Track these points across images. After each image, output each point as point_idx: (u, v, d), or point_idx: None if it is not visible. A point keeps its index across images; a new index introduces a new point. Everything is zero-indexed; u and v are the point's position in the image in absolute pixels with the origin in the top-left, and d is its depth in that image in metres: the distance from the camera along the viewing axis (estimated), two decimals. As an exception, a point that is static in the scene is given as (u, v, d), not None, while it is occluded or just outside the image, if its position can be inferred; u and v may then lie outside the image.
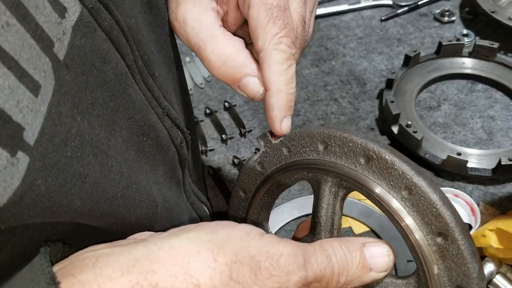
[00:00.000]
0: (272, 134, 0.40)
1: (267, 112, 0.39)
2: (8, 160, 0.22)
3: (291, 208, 0.84)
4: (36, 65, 0.24)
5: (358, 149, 0.32)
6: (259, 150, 0.40)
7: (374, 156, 0.31)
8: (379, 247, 0.33)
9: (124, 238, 0.36)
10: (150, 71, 0.39)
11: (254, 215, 0.42)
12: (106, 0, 0.32)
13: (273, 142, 0.39)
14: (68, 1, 0.28)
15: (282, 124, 0.38)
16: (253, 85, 0.39)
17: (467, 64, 1.02)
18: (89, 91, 0.30)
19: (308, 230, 0.38)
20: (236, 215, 0.43)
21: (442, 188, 0.81)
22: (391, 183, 0.31)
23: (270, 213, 0.43)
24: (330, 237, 0.36)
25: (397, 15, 1.19)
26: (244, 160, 0.93)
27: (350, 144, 0.32)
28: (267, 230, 0.42)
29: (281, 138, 0.38)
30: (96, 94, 0.31)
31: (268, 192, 0.40)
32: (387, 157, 0.31)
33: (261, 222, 0.42)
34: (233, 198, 0.43)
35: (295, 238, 0.40)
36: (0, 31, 0.22)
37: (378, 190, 0.31)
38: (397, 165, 0.31)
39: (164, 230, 0.41)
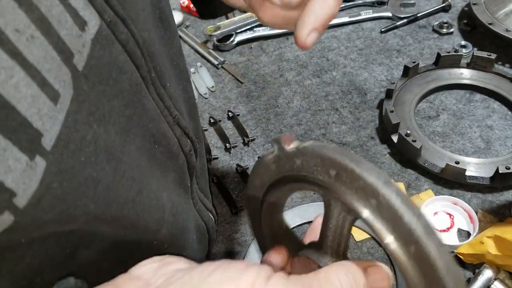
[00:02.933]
0: (286, 140, 0.36)
1: (302, 16, 0.37)
2: (27, 164, 0.24)
3: (294, 215, 0.86)
4: (57, 75, 0.26)
5: (368, 189, 0.29)
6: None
7: (383, 203, 0.28)
8: (380, 273, 0.32)
9: (133, 244, 0.38)
10: (162, 82, 0.40)
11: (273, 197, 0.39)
12: (123, 14, 0.33)
13: (286, 149, 0.36)
14: (88, 15, 0.29)
15: (310, 36, 0.37)
16: None
17: (465, 75, 1.04)
18: (106, 100, 0.31)
19: (317, 236, 0.37)
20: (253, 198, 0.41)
21: (441, 196, 0.83)
22: (398, 234, 0.28)
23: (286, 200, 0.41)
24: (336, 257, 0.35)
25: (396, 27, 1.22)
26: (248, 168, 0.95)
27: (361, 182, 0.29)
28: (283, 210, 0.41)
29: (293, 147, 0.35)
30: (113, 103, 0.32)
31: (279, 189, 0.38)
32: (396, 208, 0.28)
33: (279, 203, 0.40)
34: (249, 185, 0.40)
35: (301, 243, 0.41)
36: (25, 43, 0.24)
37: (388, 240, 0.29)
38: (406, 219, 0.27)
39: (170, 235, 0.43)
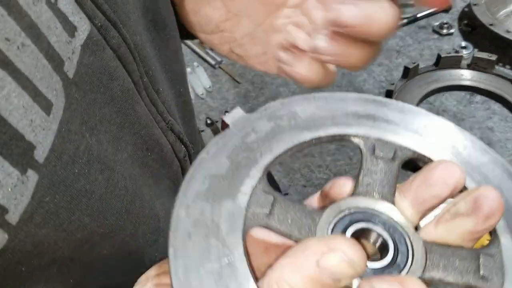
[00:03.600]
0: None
1: None
2: (18, 178, 0.23)
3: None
4: (49, 84, 0.25)
5: None
6: None
7: None
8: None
9: (138, 261, 0.36)
10: (154, 87, 0.39)
11: None
12: (114, 18, 0.32)
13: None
14: (78, 20, 0.28)
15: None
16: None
17: (466, 76, 1.03)
18: (97, 108, 0.30)
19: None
20: None
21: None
22: None
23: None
24: None
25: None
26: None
27: None
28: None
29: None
30: (104, 111, 0.31)
31: None
32: None
33: None
34: None
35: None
36: (16, 52, 0.23)
37: None
38: None
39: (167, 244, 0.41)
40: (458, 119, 0.98)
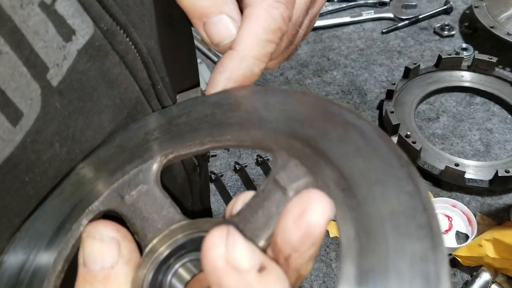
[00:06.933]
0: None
1: (214, 71, 0.30)
2: None
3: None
4: (23, 93, 0.23)
5: None
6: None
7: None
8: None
9: None
10: (169, 94, 0.36)
11: None
12: (125, 21, 0.29)
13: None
14: (79, 23, 0.26)
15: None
16: (226, 25, 0.30)
17: (466, 78, 1.04)
18: (83, 116, 0.28)
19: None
20: None
21: (439, 198, 0.83)
22: None
23: None
24: None
25: (397, 28, 1.21)
26: (246, 166, 0.95)
27: None
28: None
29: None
30: (91, 120, 0.29)
31: None
32: None
33: None
34: None
35: None
36: None
37: None
38: None
39: None
40: (457, 120, 0.99)
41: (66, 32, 0.25)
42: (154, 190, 0.26)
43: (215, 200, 0.91)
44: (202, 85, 1.12)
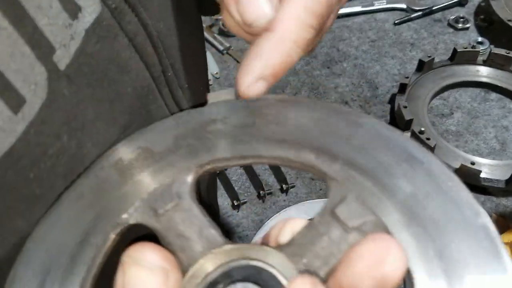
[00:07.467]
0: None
1: (247, 58, 0.26)
2: None
3: (299, 211, 0.82)
4: (26, 76, 0.21)
5: None
6: None
7: None
8: None
9: None
10: (180, 83, 0.34)
11: None
12: (133, 0, 0.27)
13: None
14: None
15: (255, 85, 0.25)
16: (262, 3, 0.26)
17: (482, 72, 1.00)
18: (93, 105, 0.26)
19: None
20: None
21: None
22: None
23: None
24: None
25: (410, 20, 1.17)
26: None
27: None
28: None
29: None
30: (102, 110, 0.27)
31: None
32: None
33: None
34: None
35: None
36: None
37: None
38: None
39: None
40: (472, 117, 0.95)
41: (72, 8, 0.23)
42: (190, 206, 0.23)
43: (219, 194, 0.87)
44: (207, 74, 1.08)
